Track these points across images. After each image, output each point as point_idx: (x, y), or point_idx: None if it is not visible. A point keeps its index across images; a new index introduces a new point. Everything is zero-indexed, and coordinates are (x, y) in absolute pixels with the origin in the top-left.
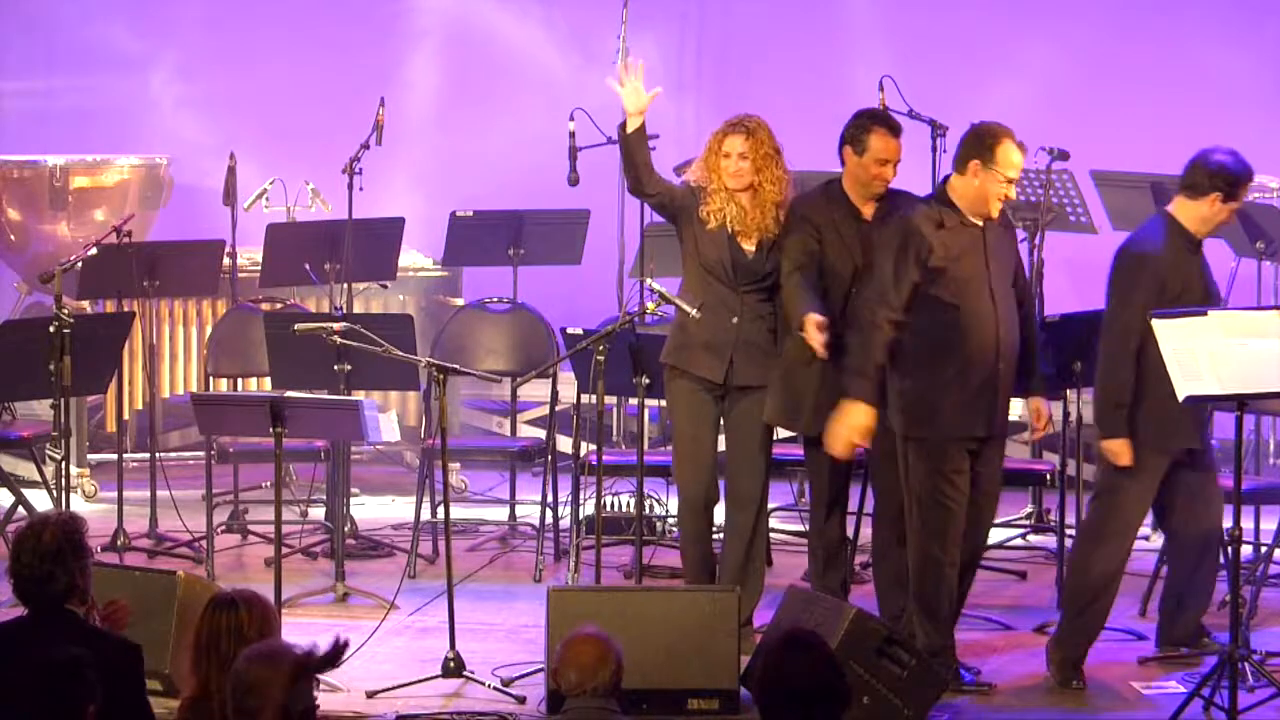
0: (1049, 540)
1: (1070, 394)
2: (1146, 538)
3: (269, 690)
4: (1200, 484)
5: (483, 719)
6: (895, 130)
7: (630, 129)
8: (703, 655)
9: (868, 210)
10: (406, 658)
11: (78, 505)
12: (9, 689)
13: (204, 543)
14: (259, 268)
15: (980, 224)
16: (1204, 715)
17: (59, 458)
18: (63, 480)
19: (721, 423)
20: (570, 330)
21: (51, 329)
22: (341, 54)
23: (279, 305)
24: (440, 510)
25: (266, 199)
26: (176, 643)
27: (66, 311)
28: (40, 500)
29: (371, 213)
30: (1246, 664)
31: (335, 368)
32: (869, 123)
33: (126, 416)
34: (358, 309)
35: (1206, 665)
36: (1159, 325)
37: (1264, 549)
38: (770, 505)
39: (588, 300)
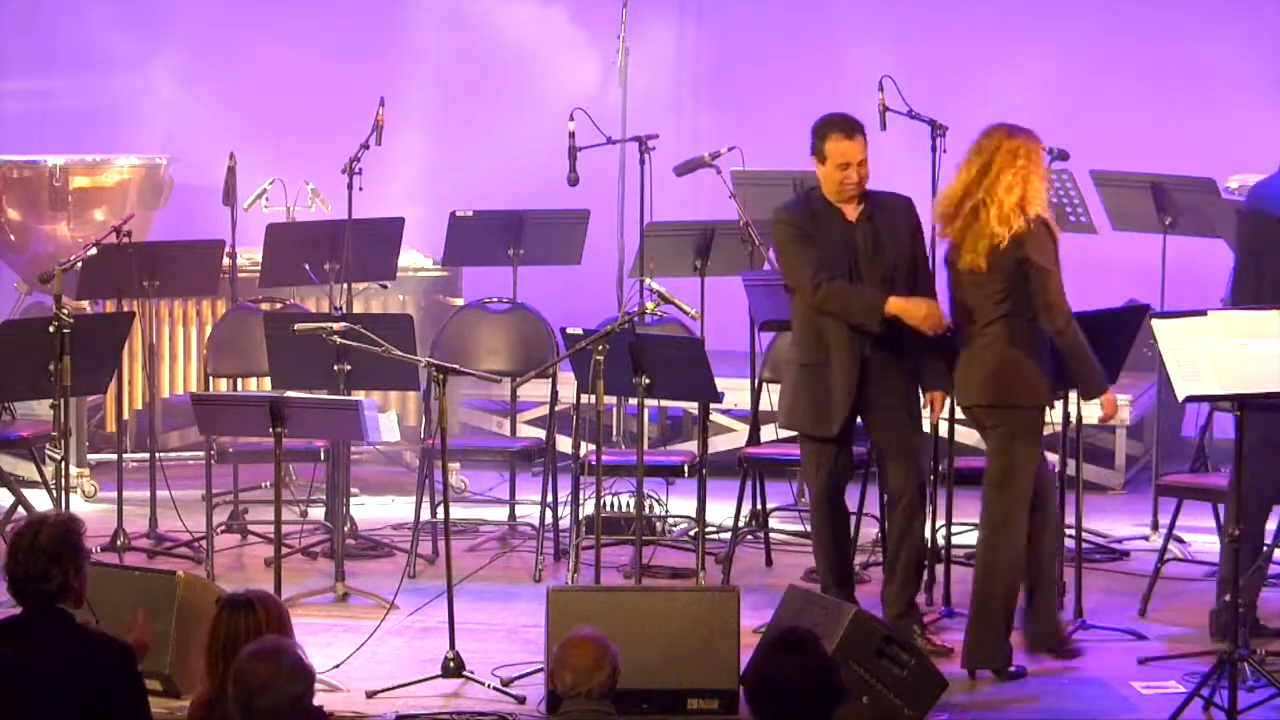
0: None
1: (1070, 394)
2: (1146, 538)
3: (277, 687)
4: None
5: (482, 719)
6: (850, 131)
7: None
8: (703, 655)
9: (851, 212)
10: (406, 658)
11: (77, 505)
12: None
13: (204, 543)
14: (259, 268)
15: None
16: (1204, 715)
17: (59, 458)
18: (63, 480)
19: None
20: (570, 330)
21: (51, 329)
22: (341, 54)
23: (279, 305)
24: (440, 510)
25: (266, 199)
26: (177, 643)
27: (66, 311)
28: (40, 500)
29: (371, 213)
30: (1246, 664)
31: (335, 368)
32: (825, 129)
33: (126, 416)
34: (358, 309)
35: (1206, 665)
36: (1159, 325)
37: (1264, 549)
38: (770, 505)
39: (588, 300)
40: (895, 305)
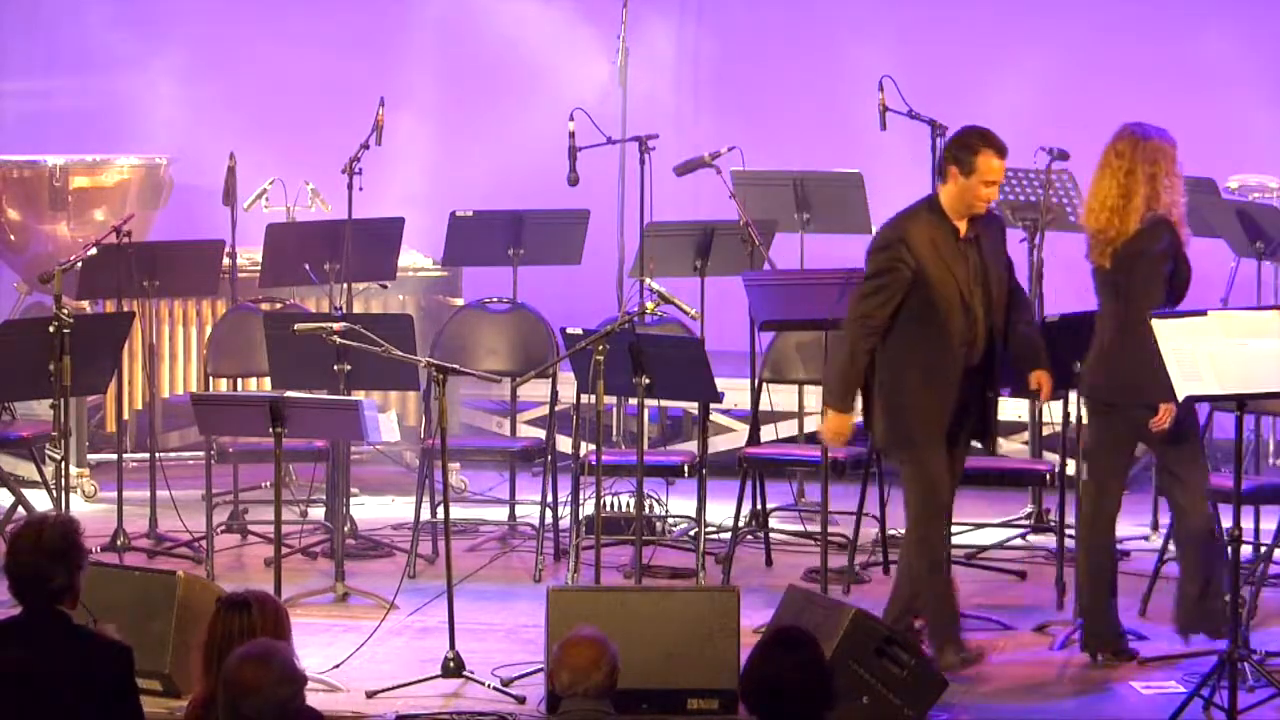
0: (1049, 540)
1: (1070, 394)
2: (1146, 538)
3: (265, 690)
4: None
5: (482, 719)
6: (1002, 151)
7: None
8: (703, 655)
9: (961, 229)
10: (406, 658)
11: (77, 505)
12: None
13: (204, 543)
14: (259, 268)
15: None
16: (1204, 715)
17: (59, 458)
18: (63, 480)
19: None
20: (570, 330)
21: (51, 329)
22: (342, 53)
23: (279, 305)
24: (440, 510)
25: (266, 199)
26: (177, 643)
27: (66, 311)
28: (40, 500)
29: (371, 213)
30: (1246, 664)
31: (335, 368)
32: (977, 143)
33: (126, 416)
34: (358, 309)
35: (1206, 665)
36: (1159, 325)
37: (1264, 549)
38: (770, 505)
39: (588, 300)
40: (834, 422)
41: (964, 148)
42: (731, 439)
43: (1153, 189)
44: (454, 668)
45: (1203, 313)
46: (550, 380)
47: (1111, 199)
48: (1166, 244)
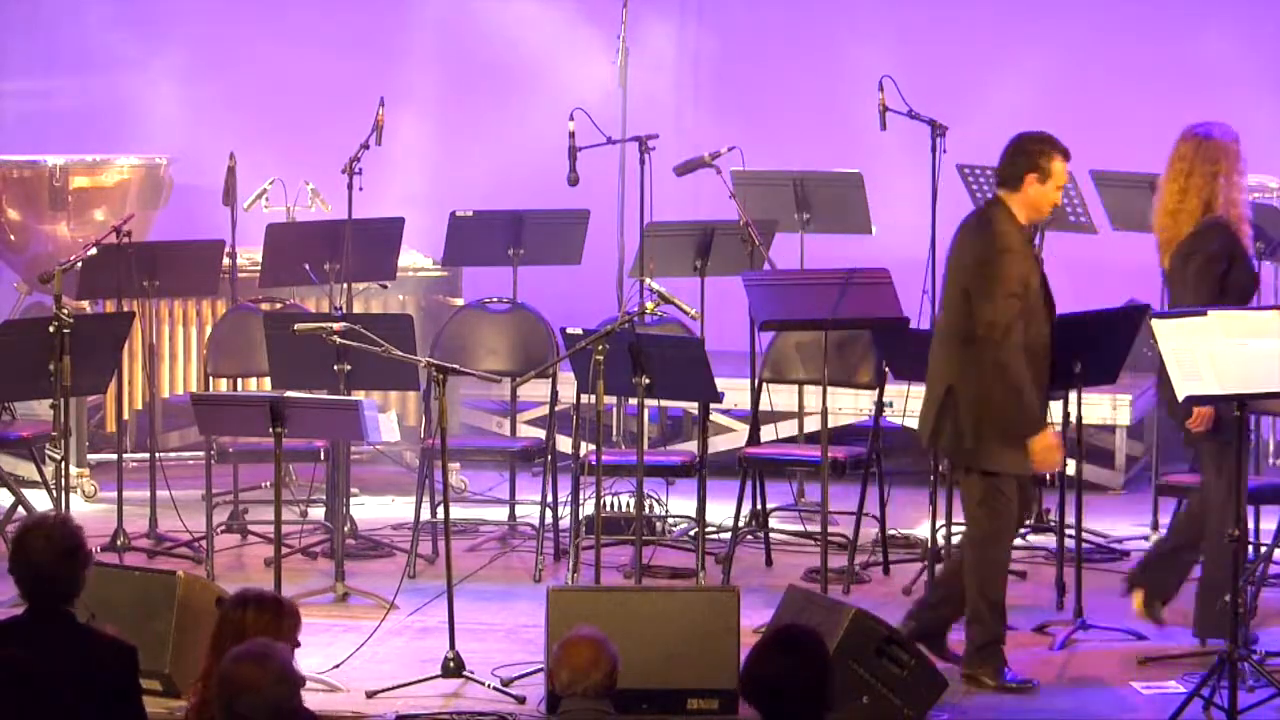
0: (1049, 540)
1: (1070, 394)
2: (1146, 538)
3: (260, 690)
4: None
5: (482, 719)
6: (1067, 153)
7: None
8: (702, 655)
9: None
10: (406, 658)
11: (77, 505)
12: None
13: (204, 543)
14: (259, 268)
15: None
16: (1204, 715)
17: (59, 458)
18: (63, 480)
19: None
20: (570, 330)
21: (51, 329)
22: (342, 53)
23: (279, 305)
24: (440, 510)
25: (266, 199)
26: (177, 643)
27: (66, 311)
28: (40, 500)
29: (371, 213)
30: (1246, 664)
31: (335, 368)
32: (1047, 148)
33: (126, 416)
34: (358, 309)
35: (1207, 665)
36: (1159, 325)
37: (1264, 549)
38: (770, 505)
39: (588, 300)
40: (1045, 440)
41: (1037, 155)
42: (731, 439)
43: (1213, 190)
44: (454, 668)
45: (1203, 313)
46: (550, 380)
47: (1171, 203)
48: (1219, 246)
